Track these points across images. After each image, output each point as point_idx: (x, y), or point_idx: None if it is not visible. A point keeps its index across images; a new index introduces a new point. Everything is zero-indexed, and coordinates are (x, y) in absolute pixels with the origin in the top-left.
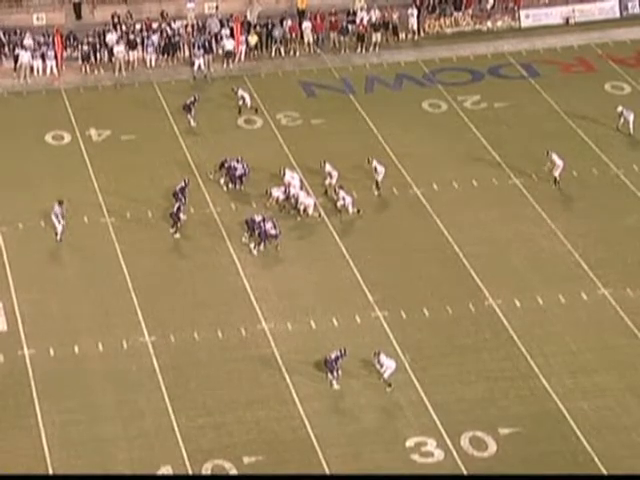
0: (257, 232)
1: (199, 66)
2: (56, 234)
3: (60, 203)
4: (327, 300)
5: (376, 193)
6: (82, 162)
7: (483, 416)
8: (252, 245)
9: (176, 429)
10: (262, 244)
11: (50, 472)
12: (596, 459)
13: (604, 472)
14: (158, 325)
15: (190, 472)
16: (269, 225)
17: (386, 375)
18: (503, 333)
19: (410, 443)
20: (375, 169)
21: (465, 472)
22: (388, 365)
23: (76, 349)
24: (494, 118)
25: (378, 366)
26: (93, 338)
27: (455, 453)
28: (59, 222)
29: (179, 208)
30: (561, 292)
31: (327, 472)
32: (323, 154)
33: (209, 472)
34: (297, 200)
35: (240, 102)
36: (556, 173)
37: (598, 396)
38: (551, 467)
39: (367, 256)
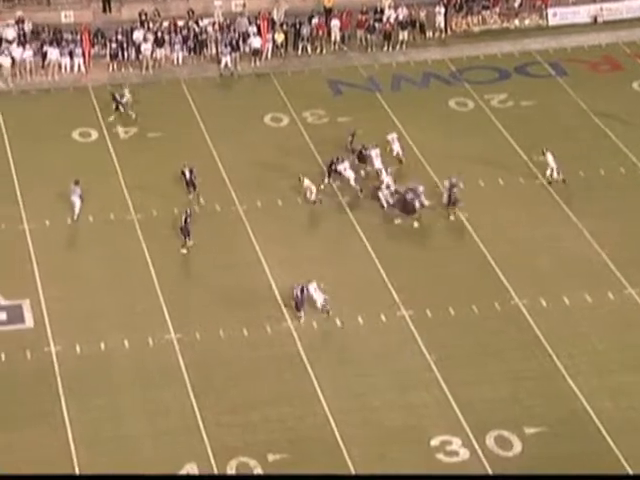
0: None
1: (226, 64)
2: (74, 214)
3: (76, 183)
4: (352, 299)
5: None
6: (109, 159)
7: (508, 415)
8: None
9: (201, 426)
10: None
11: (76, 469)
12: (622, 459)
13: (629, 472)
14: (184, 323)
15: (215, 469)
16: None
17: (319, 305)
18: (529, 333)
19: (435, 442)
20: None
21: (490, 471)
22: (317, 297)
23: (102, 346)
24: (521, 117)
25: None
26: (119, 335)
27: (480, 452)
28: (77, 202)
29: (186, 220)
30: (587, 292)
31: (352, 470)
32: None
33: (233, 470)
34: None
35: (120, 103)
36: (547, 172)
37: (624, 396)
38: (576, 467)
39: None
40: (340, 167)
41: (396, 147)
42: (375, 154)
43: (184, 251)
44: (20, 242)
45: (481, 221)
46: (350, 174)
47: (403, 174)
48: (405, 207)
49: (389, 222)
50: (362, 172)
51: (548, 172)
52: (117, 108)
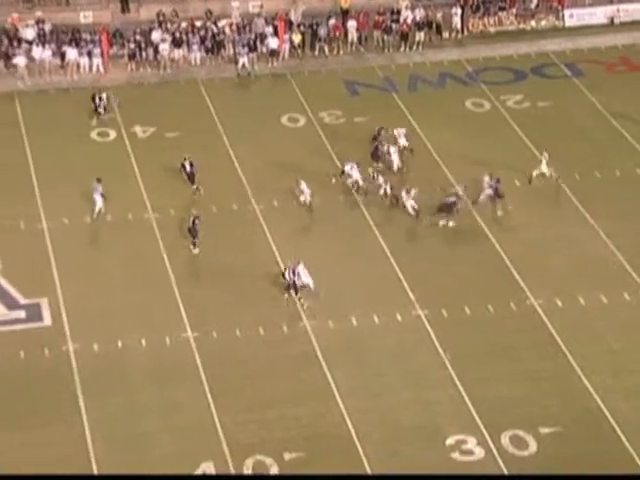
0: None
1: (243, 64)
2: (93, 212)
3: (98, 180)
4: (368, 298)
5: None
6: (127, 158)
7: (524, 415)
8: None
9: (218, 425)
10: None
11: (93, 466)
12: (636, 458)
13: None
14: (200, 321)
15: (231, 468)
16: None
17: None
18: (544, 332)
19: (450, 441)
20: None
21: (505, 471)
22: (306, 277)
23: (119, 344)
24: (537, 117)
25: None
26: (136, 334)
27: (495, 452)
28: (99, 200)
29: (194, 221)
30: (603, 292)
31: (367, 469)
32: (365, 152)
33: (250, 468)
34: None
35: (99, 107)
36: (535, 172)
37: (639, 396)
38: (591, 466)
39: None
40: (346, 167)
41: (402, 141)
42: (393, 150)
43: (196, 251)
44: (39, 241)
45: (496, 220)
46: (356, 174)
47: (418, 174)
48: (445, 208)
49: (405, 222)
50: (370, 170)
51: (535, 172)
52: (96, 110)
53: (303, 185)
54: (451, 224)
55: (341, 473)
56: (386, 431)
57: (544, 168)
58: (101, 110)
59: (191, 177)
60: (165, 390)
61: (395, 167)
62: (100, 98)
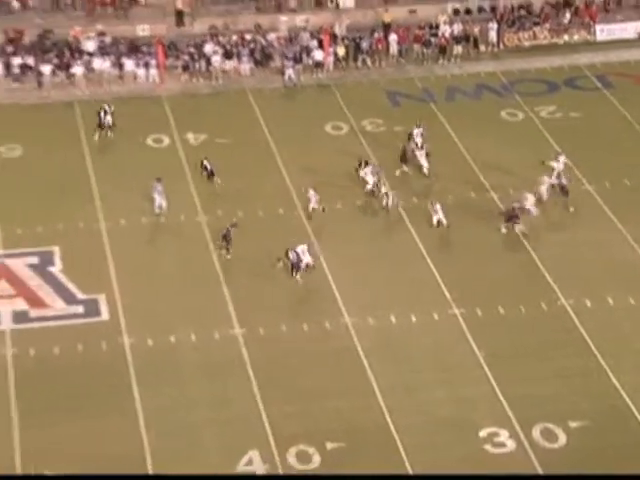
0: None
1: (289, 76)
2: (157, 209)
3: (158, 180)
4: (406, 297)
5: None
6: (179, 164)
7: (554, 410)
8: None
9: (263, 416)
10: None
11: (147, 455)
12: None
13: None
14: (248, 318)
15: (276, 456)
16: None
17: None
18: (574, 332)
19: (483, 434)
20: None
21: (536, 462)
22: (306, 258)
23: (172, 339)
24: (569, 128)
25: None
26: (187, 329)
27: (527, 444)
28: (159, 198)
29: (228, 229)
30: (631, 294)
31: (404, 458)
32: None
33: (294, 457)
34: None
35: (102, 116)
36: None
37: None
38: (618, 458)
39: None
40: (361, 172)
41: (418, 139)
42: (420, 154)
43: (229, 257)
44: (96, 240)
45: (529, 224)
46: (370, 179)
47: (454, 180)
48: (511, 214)
49: (441, 225)
50: (398, 172)
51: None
52: (100, 125)
53: (311, 193)
54: (518, 229)
55: (379, 462)
56: (422, 423)
57: (559, 166)
58: (106, 124)
59: (211, 174)
60: (214, 383)
61: (425, 170)
62: (105, 112)
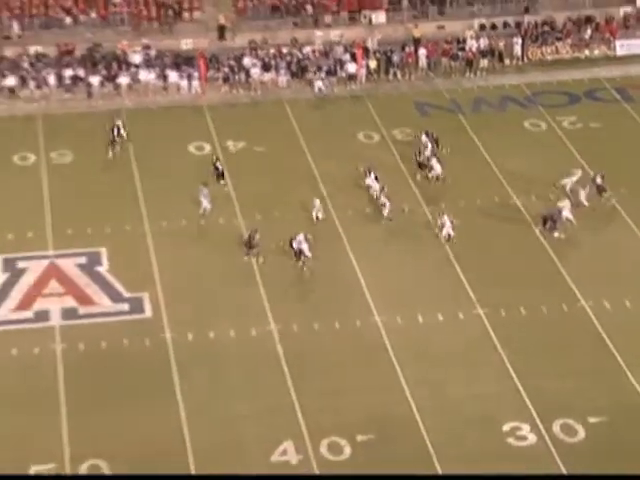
0: None
1: (319, 88)
2: (202, 211)
3: (205, 184)
4: (433, 297)
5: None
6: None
7: (573, 405)
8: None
9: (297, 409)
10: None
11: (187, 444)
12: None
13: None
14: (283, 316)
15: (309, 447)
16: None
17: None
18: (593, 332)
19: (506, 428)
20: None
21: (556, 456)
22: (304, 246)
23: (211, 335)
24: (589, 137)
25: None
26: (226, 325)
27: (547, 438)
28: (205, 201)
29: (251, 235)
30: None
31: (431, 451)
32: None
33: (326, 448)
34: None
35: (115, 133)
36: (565, 182)
37: None
38: (634, 452)
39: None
40: (367, 180)
41: (427, 145)
42: (435, 161)
43: (254, 260)
44: (141, 242)
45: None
46: (375, 185)
47: (479, 187)
48: (550, 220)
49: (467, 227)
50: (418, 176)
51: (565, 181)
52: (113, 142)
53: (316, 202)
54: (556, 235)
55: (407, 454)
56: (448, 417)
57: (568, 180)
58: (118, 140)
59: (221, 174)
60: (250, 376)
61: (439, 174)
62: (118, 128)
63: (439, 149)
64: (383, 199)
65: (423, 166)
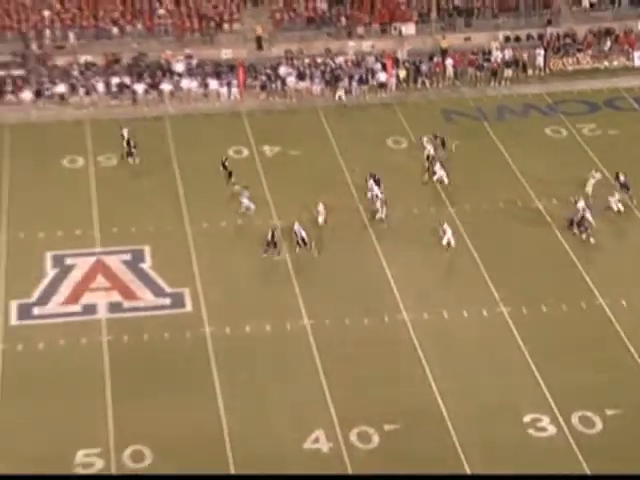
0: None
1: (339, 97)
2: (243, 210)
3: (246, 187)
4: (458, 295)
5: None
6: (256, 172)
7: (591, 398)
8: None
9: (328, 399)
10: None
11: (225, 433)
12: None
13: None
14: (315, 311)
15: (339, 436)
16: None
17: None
18: (610, 329)
19: (527, 419)
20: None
21: (575, 446)
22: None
23: (247, 329)
24: (608, 144)
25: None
26: (261, 320)
27: (566, 429)
28: (246, 202)
29: (273, 235)
30: None
31: (455, 440)
32: (459, 171)
33: (355, 436)
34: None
35: (124, 142)
36: (588, 189)
37: None
38: None
39: (494, 256)
40: (369, 183)
41: (429, 148)
42: (438, 167)
43: (277, 258)
44: (182, 240)
45: (571, 230)
46: (375, 189)
47: (502, 191)
48: (577, 223)
49: (487, 230)
50: (434, 178)
51: (588, 187)
52: (130, 154)
53: (320, 207)
54: (584, 237)
55: (432, 443)
56: (472, 409)
57: (589, 186)
58: (133, 151)
59: (229, 174)
60: (284, 368)
61: (445, 180)
62: (129, 142)
63: (445, 149)
64: (378, 203)
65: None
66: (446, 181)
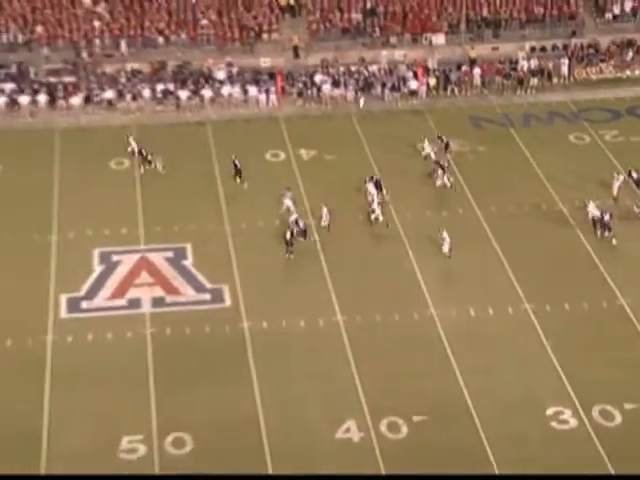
0: None
1: (364, 101)
2: (284, 210)
3: (288, 189)
4: (485, 293)
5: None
6: (293, 175)
7: (611, 393)
8: None
9: (360, 391)
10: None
11: (261, 423)
12: None
13: None
14: (348, 308)
15: (370, 426)
16: None
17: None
18: (630, 327)
19: (550, 412)
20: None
21: (595, 438)
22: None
23: (283, 323)
24: (629, 150)
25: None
26: (296, 316)
27: (587, 422)
28: (288, 203)
29: (292, 233)
30: None
31: (481, 432)
32: (486, 175)
33: (385, 427)
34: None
35: (129, 149)
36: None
37: None
38: None
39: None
40: (368, 186)
41: (428, 149)
42: (440, 173)
43: (291, 257)
44: (222, 239)
45: (592, 232)
46: (373, 191)
47: (528, 194)
48: (603, 225)
49: (516, 229)
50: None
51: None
52: (147, 160)
53: (324, 210)
54: (606, 235)
55: (458, 433)
56: (497, 401)
57: (615, 189)
58: (150, 158)
59: (239, 172)
60: (318, 362)
61: (448, 184)
62: (140, 152)
63: (449, 152)
64: (374, 206)
65: (443, 169)
66: (448, 185)
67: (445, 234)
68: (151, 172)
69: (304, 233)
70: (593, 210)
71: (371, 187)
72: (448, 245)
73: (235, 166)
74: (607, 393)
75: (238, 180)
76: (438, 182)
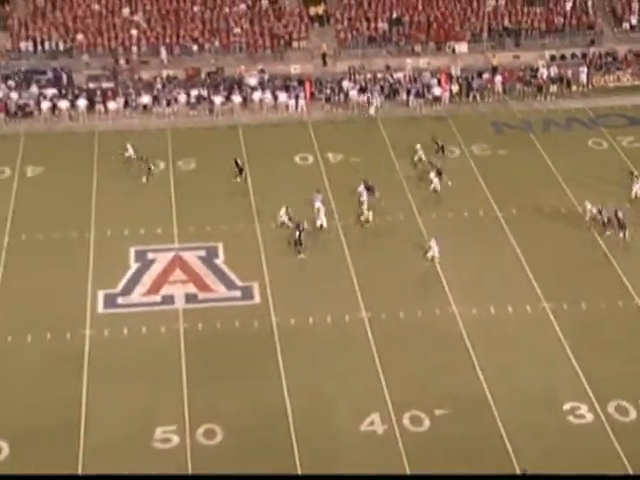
0: None
1: (376, 108)
2: (317, 211)
3: (318, 191)
4: (504, 292)
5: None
6: (321, 178)
7: (627, 389)
8: None
9: (384, 385)
10: None
11: (289, 416)
12: None
13: None
14: (373, 305)
15: (394, 419)
16: None
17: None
18: None
19: (567, 407)
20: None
21: (610, 433)
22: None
23: (310, 320)
24: None
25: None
26: (323, 312)
27: (603, 417)
28: (318, 204)
29: (300, 234)
30: None
31: (500, 426)
32: (507, 178)
33: (408, 420)
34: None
35: (127, 154)
36: (633, 194)
37: None
38: None
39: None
40: (359, 188)
41: (421, 154)
42: (432, 175)
43: (302, 256)
44: (252, 238)
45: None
46: (363, 194)
47: (545, 197)
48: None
49: (533, 230)
50: (449, 183)
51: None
52: (149, 169)
53: (321, 212)
54: (621, 235)
55: (478, 427)
56: (515, 397)
57: (635, 188)
58: (153, 168)
59: (241, 171)
60: (344, 357)
61: (432, 188)
62: (148, 163)
63: (443, 156)
64: (364, 206)
65: (438, 172)
66: (438, 189)
67: (433, 242)
68: (181, 174)
69: (299, 239)
70: (592, 209)
71: (363, 191)
72: (432, 253)
73: (237, 164)
74: (622, 389)
75: (239, 179)
76: (431, 186)
